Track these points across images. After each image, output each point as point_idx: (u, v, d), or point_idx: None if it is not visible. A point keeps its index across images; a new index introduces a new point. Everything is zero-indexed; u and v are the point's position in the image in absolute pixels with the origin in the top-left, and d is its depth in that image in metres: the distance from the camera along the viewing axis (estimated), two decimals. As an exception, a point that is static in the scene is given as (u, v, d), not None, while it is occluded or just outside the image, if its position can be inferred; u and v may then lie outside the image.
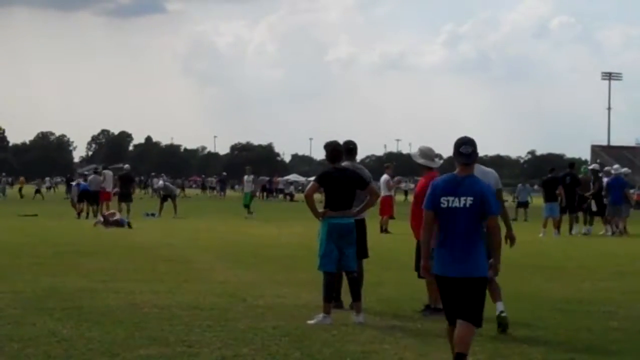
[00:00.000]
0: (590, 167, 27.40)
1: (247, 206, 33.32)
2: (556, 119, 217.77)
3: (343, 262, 9.15)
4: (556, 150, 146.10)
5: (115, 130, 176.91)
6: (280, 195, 66.71)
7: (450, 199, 6.47)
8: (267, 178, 71.69)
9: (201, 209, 41.27)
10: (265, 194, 66.35)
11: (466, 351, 6.33)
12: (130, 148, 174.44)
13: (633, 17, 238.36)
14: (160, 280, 12.01)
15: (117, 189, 30.78)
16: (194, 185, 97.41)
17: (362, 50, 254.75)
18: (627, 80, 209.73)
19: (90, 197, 30.03)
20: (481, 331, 6.94)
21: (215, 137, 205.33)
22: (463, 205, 6.43)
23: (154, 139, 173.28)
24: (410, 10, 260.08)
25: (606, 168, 30.25)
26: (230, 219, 30.81)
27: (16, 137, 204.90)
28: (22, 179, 69.08)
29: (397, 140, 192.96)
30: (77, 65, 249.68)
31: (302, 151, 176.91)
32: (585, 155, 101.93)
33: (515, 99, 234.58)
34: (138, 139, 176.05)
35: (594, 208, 24.79)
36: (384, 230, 23.65)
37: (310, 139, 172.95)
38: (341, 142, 9.72)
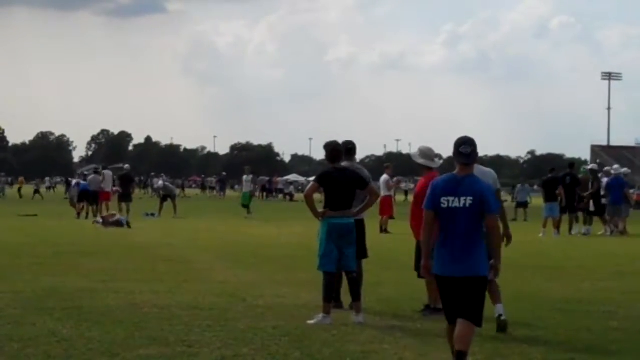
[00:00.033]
0: (589, 167, 27.41)
1: (245, 206, 33.22)
2: (556, 119, 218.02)
3: (343, 262, 9.16)
4: (556, 150, 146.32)
5: (115, 130, 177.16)
6: (280, 195, 66.71)
7: (451, 199, 6.48)
8: (267, 178, 71.73)
9: (201, 209, 41.28)
10: (265, 194, 66.38)
11: (466, 349, 6.34)
12: (130, 148, 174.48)
13: (633, 17, 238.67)
14: (160, 280, 12.02)
15: (117, 188, 30.75)
16: (193, 185, 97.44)
17: (362, 50, 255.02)
18: (627, 80, 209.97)
19: (90, 197, 30.03)
20: (480, 331, 6.94)
21: (215, 137, 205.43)
22: (463, 205, 6.44)
23: (154, 139, 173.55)
24: (410, 10, 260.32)
25: (606, 168, 30.25)
26: (230, 219, 30.81)
27: (16, 137, 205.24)
28: (21, 179, 69.10)
29: (397, 140, 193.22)
30: (77, 65, 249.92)
31: (302, 151, 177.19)
32: (585, 155, 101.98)
33: (515, 99, 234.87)
34: (138, 139, 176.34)
35: (591, 208, 24.78)
36: (383, 230, 23.66)
37: (310, 139, 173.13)
38: (340, 142, 9.72)
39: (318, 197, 9.52)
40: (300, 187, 75.85)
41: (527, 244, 19.76)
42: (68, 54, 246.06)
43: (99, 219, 25.66)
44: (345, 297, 9.63)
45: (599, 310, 10.01)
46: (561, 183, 24.45)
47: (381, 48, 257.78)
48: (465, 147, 6.60)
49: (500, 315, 8.46)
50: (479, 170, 7.99)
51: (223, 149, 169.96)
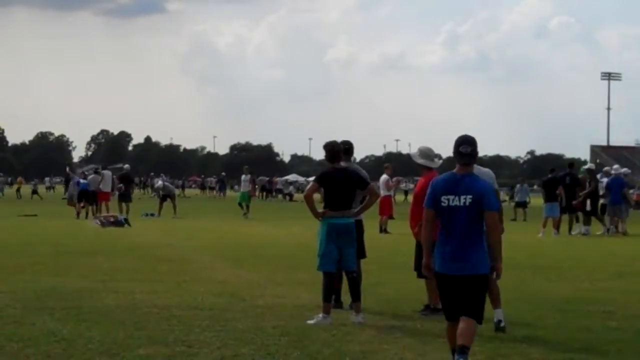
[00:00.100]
0: (586, 167, 27.42)
1: (242, 205, 33.01)
2: (556, 119, 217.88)
3: (343, 262, 9.16)
4: (556, 150, 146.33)
5: (115, 130, 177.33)
6: (280, 195, 66.70)
7: (450, 197, 6.49)
8: (267, 178, 71.73)
9: (200, 209, 41.27)
10: (264, 194, 66.38)
11: (469, 344, 6.35)
12: (130, 148, 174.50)
13: (633, 17, 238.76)
14: (159, 280, 12.02)
15: (121, 185, 30.65)
16: (193, 186, 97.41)
17: (361, 51, 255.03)
18: (626, 80, 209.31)
19: (90, 197, 30.01)
20: (480, 331, 6.95)
21: (214, 137, 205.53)
22: (463, 204, 6.45)
23: (154, 139, 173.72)
24: (410, 10, 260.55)
25: (605, 168, 30.27)
26: (230, 219, 30.80)
27: (15, 137, 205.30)
28: (20, 179, 69.09)
29: (397, 140, 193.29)
30: (76, 65, 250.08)
31: (302, 151, 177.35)
32: (585, 155, 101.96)
33: (515, 99, 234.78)
34: (137, 139, 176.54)
35: (587, 208, 24.78)
36: (383, 230, 23.66)
37: (310, 139, 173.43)
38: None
39: (317, 197, 9.53)
40: (300, 187, 75.84)
41: (526, 244, 19.79)
42: (67, 54, 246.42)
43: (97, 221, 25.56)
44: (345, 297, 9.64)
45: (599, 310, 10.02)
46: (561, 183, 24.46)
47: (381, 48, 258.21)
48: (465, 146, 6.60)
49: (499, 321, 8.47)
50: (477, 170, 7.99)
51: (223, 149, 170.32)
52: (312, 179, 13.38)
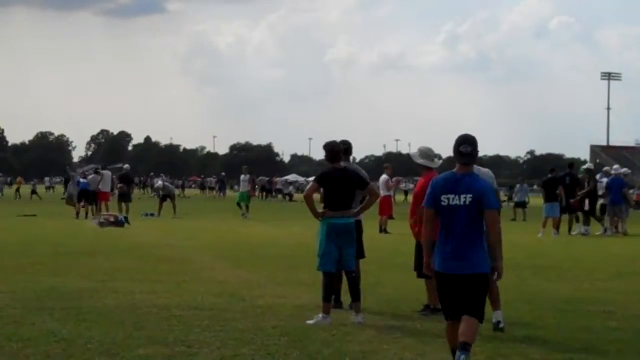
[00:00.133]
0: (585, 167, 27.43)
1: (240, 205, 32.91)
2: (555, 119, 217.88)
3: (343, 262, 9.16)
4: (555, 150, 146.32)
5: (115, 130, 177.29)
6: (279, 195, 66.72)
7: (451, 196, 6.49)
8: (267, 178, 71.75)
9: (200, 209, 41.27)
10: (264, 194, 66.39)
11: (471, 341, 6.35)
12: (130, 148, 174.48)
13: (633, 17, 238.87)
14: (159, 280, 12.01)
15: (123, 185, 30.64)
16: (193, 186, 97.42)
17: (361, 51, 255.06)
18: (626, 80, 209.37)
19: (89, 197, 30.01)
20: (480, 331, 6.93)
21: (214, 137, 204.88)
22: (463, 203, 6.45)
23: (153, 139, 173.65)
24: (410, 10, 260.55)
25: (605, 168, 30.25)
26: (230, 219, 30.79)
27: (15, 137, 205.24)
28: (19, 179, 69.06)
29: (397, 140, 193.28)
30: (76, 65, 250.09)
31: (302, 151, 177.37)
32: (585, 155, 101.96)
33: (515, 99, 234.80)
34: (137, 139, 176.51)
35: (585, 207, 24.78)
36: (383, 230, 23.67)
37: (310, 139, 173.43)
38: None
39: (316, 197, 9.53)
40: (299, 187, 75.83)
41: (526, 244, 19.79)
42: (67, 54, 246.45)
43: (96, 221, 25.50)
44: (345, 297, 9.63)
45: (599, 310, 10.01)
46: (561, 183, 24.46)
47: (381, 48, 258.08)
48: (466, 146, 6.59)
49: (498, 322, 8.47)
50: (476, 170, 7.98)
51: (222, 149, 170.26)
52: (311, 179, 13.37)
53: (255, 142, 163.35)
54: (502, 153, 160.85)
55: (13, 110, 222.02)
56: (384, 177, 24.82)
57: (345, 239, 9.12)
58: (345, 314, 9.23)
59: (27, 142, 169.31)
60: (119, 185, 29.89)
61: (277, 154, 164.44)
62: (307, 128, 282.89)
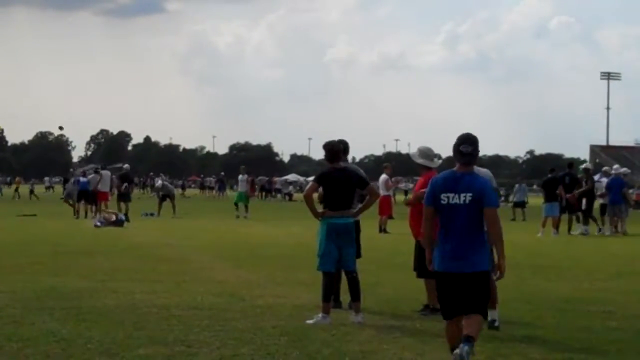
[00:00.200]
0: (583, 167, 27.44)
1: (237, 206, 32.84)
2: (555, 119, 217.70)
3: (342, 262, 9.17)
4: (555, 150, 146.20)
5: (114, 130, 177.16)
6: (279, 195, 66.72)
7: (450, 195, 6.49)
8: (266, 178, 71.75)
9: (200, 209, 41.27)
10: (264, 193, 66.40)
11: (475, 335, 6.35)
12: (129, 148, 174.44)
13: (632, 17, 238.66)
14: (159, 280, 12.02)
15: (126, 184, 30.62)
16: (192, 185, 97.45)
17: (361, 51, 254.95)
18: (626, 80, 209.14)
19: (89, 197, 30.00)
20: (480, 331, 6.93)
21: (214, 137, 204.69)
22: (463, 202, 6.45)
23: (153, 139, 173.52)
24: (410, 10, 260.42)
25: (605, 168, 30.31)
26: (229, 219, 30.79)
27: (15, 136, 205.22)
28: (18, 179, 69.06)
29: (396, 140, 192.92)
30: (76, 65, 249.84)
31: (301, 151, 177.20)
32: (584, 155, 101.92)
33: (515, 99, 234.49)
34: (137, 138, 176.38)
35: (583, 207, 24.79)
36: (382, 230, 23.67)
37: (309, 138, 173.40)
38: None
39: (315, 196, 9.53)
40: (299, 187, 75.84)
41: (526, 243, 19.79)
42: (67, 53, 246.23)
43: (97, 222, 25.45)
44: (344, 296, 9.63)
45: (598, 310, 10.02)
46: (561, 183, 24.47)
47: (381, 48, 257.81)
48: (466, 146, 6.59)
49: (493, 321, 8.47)
50: (475, 170, 7.99)
51: (222, 149, 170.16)
52: (311, 178, 13.37)
53: (254, 142, 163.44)
54: (502, 153, 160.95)
55: (13, 110, 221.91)
56: (383, 176, 24.83)
57: (345, 239, 9.13)
58: (344, 313, 9.23)
59: (26, 142, 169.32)
60: (123, 186, 29.78)
61: (276, 154, 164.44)
62: (307, 128, 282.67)
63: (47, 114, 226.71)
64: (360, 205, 9.45)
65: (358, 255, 9.85)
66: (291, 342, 7.77)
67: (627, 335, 8.53)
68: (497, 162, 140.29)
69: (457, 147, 6.60)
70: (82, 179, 31.14)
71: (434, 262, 6.62)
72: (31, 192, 57.64)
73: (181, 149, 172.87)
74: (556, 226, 23.77)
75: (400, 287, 11.53)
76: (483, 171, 8.73)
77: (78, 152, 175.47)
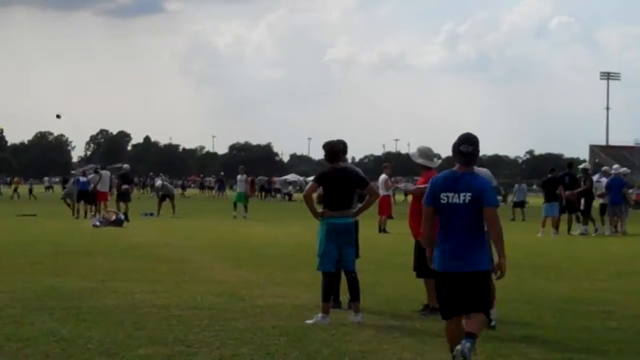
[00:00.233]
0: (581, 167, 27.45)
1: (236, 206, 32.77)
2: (555, 119, 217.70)
3: (342, 262, 9.17)
4: (555, 150, 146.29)
5: (114, 130, 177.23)
6: (279, 195, 66.72)
7: (450, 195, 6.49)
8: (266, 178, 71.75)
9: (200, 209, 41.27)
10: (263, 193, 66.41)
11: (477, 332, 6.36)
12: (129, 148, 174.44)
13: (632, 17, 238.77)
14: (159, 280, 12.01)
15: (127, 185, 30.62)
16: (192, 185, 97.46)
17: (361, 51, 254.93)
18: (625, 80, 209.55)
19: (89, 197, 29.98)
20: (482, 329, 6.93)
21: (213, 137, 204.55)
22: (463, 201, 6.45)
23: (153, 139, 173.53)
24: (410, 10, 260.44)
25: (604, 168, 30.30)
26: (229, 219, 30.79)
27: (15, 136, 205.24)
28: (17, 179, 69.04)
29: (396, 140, 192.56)
30: (75, 65, 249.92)
31: (301, 151, 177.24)
32: (584, 155, 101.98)
33: (514, 99, 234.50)
34: (137, 138, 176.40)
35: (581, 207, 24.79)
36: (382, 230, 23.67)
37: (309, 138, 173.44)
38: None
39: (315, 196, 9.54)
40: (299, 187, 75.85)
41: (525, 243, 19.79)
42: (67, 53, 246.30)
43: (96, 222, 25.44)
44: (344, 296, 9.63)
45: (598, 310, 10.01)
46: (561, 183, 24.47)
47: (381, 48, 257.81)
48: (466, 146, 6.58)
49: (490, 320, 8.46)
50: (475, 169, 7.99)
51: (222, 149, 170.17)
52: (311, 178, 13.37)
53: (254, 142, 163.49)
54: (502, 153, 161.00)
55: (13, 110, 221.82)
56: (383, 176, 24.83)
57: (344, 239, 9.13)
58: (344, 313, 9.23)
59: (26, 142, 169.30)
60: (124, 187, 29.72)
61: (276, 154, 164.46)
62: (307, 128, 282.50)
63: (47, 114, 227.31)
64: (360, 205, 9.46)
65: (357, 255, 9.85)
66: (291, 342, 7.77)
67: (627, 335, 8.53)
68: (497, 162, 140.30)
69: (457, 147, 6.59)
70: (81, 179, 31.11)
71: (433, 262, 6.62)
72: (30, 192, 57.61)
73: (181, 149, 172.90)
74: (556, 226, 23.77)
75: (399, 287, 11.53)
76: (483, 171, 8.74)
77: (78, 152, 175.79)
